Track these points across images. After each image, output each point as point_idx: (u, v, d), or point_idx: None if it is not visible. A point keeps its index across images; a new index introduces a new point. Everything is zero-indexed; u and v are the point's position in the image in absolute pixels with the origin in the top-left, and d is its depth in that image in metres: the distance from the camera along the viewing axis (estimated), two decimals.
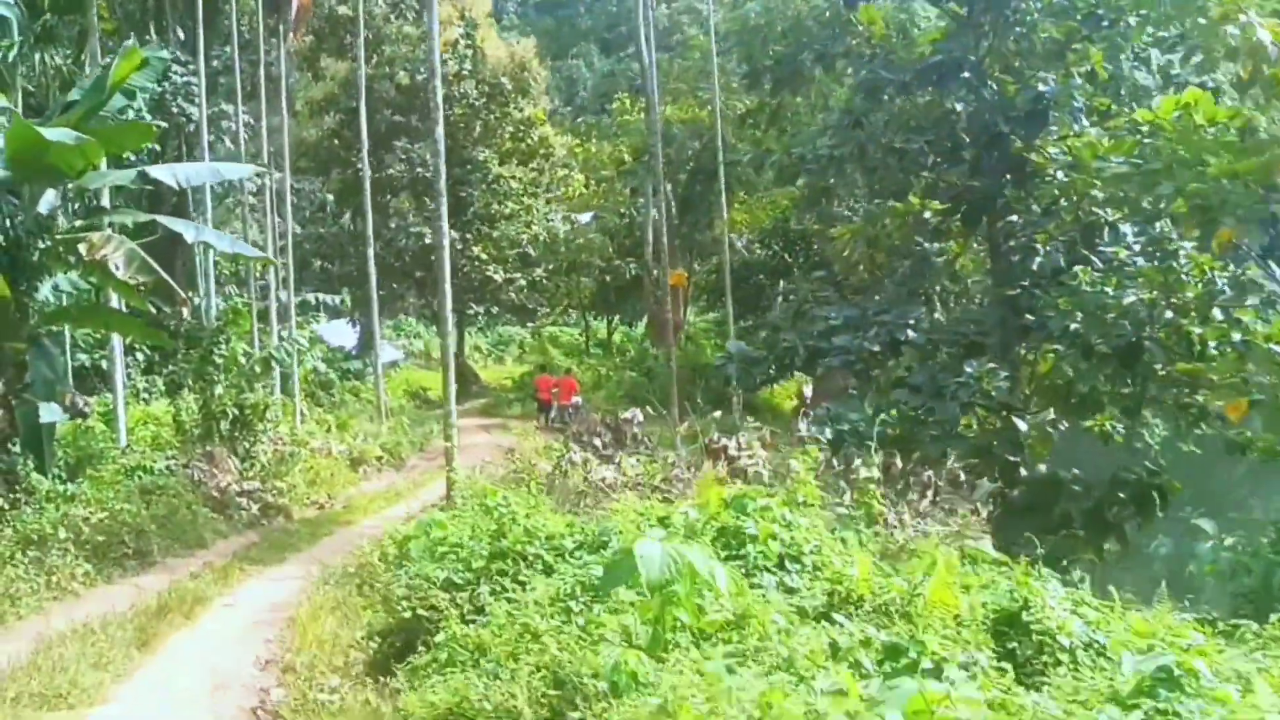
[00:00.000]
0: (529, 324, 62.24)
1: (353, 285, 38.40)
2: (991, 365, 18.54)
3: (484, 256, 43.58)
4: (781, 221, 37.34)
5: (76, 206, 19.20)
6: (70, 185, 16.63)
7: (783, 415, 35.67)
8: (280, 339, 24.25)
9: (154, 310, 16.38)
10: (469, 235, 43.53)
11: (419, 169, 42.73)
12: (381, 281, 41.32)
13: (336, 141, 42.58)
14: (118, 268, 14.63)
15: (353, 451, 25.06)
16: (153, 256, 16.49)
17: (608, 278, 47.78)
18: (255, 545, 17.50)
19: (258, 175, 32.90)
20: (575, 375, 36.01)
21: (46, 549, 13.66)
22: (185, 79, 30.96)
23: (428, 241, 42.07)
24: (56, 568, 13.38)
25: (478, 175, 43.70)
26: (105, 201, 19.47)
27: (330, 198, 43.51)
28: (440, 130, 20.04)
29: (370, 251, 31.22)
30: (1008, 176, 21.24)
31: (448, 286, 20.89)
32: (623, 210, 47.13)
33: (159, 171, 17.13)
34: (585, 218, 50.04)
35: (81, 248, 15.19)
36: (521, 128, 44.82)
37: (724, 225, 33.97)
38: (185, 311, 20.70)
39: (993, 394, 18.23)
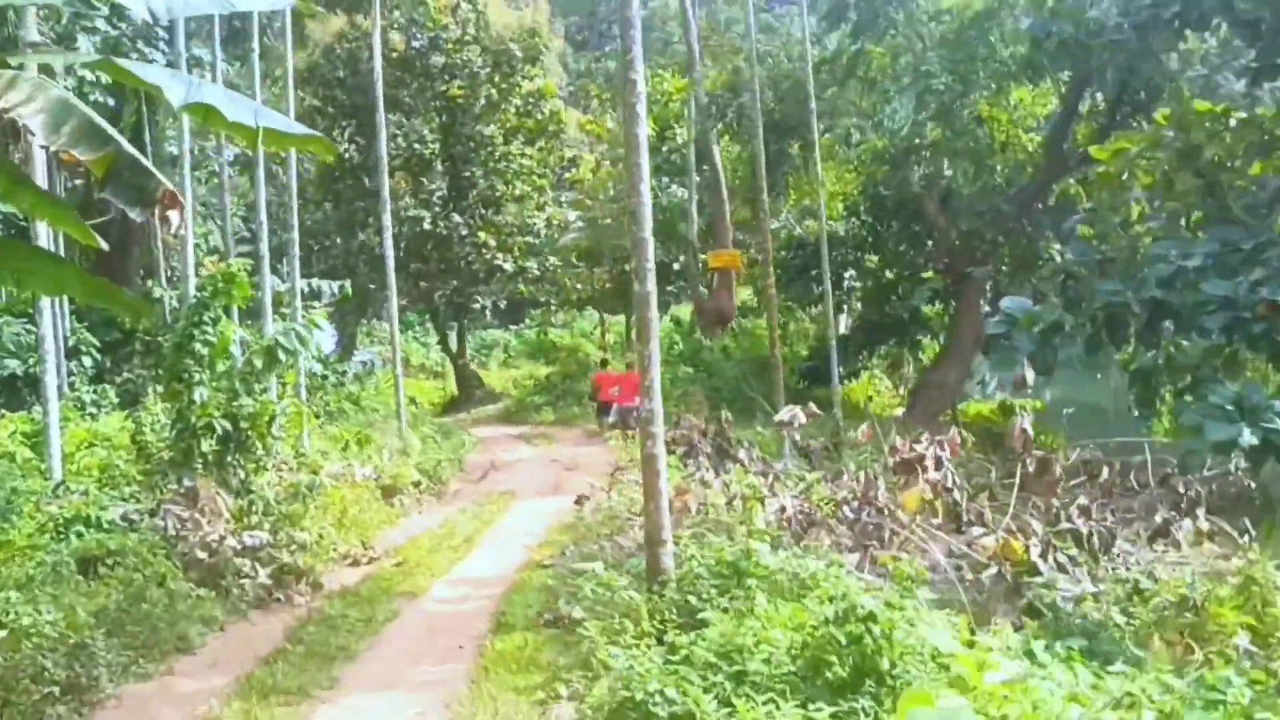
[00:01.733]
0: (514, 325, 54.80)
1: (336, 279, 30.89)
2: None
3: (491, 243, 36.07)
4: (872, 186, 30.17)
5: None
6: None
7: (858, 416, 28.78)
8: (283, 324, 16.55)
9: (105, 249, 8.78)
10: (473, 220, 36.06)
11: (416, 145, 35.27)
12: (368, 274, 33.94)
13: (319, 119, 34.89)
14: (33, 134, 7.06)
15: (382, 476, 17.56)
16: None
17: (627, 266, 40.21)
18: (277, 650, 10.02)
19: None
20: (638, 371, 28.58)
21: None
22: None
23: (425, 227, 34.86)
24: None
25: (483, 153, 36.21)
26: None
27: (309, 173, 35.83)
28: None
29: (387, 232, 23.52)
30: None
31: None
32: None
33: None
34: (571, 215, 42.59)
35: None
36: (530, 100, 37.24)
37: (818, 189, 26.73)
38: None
39: None
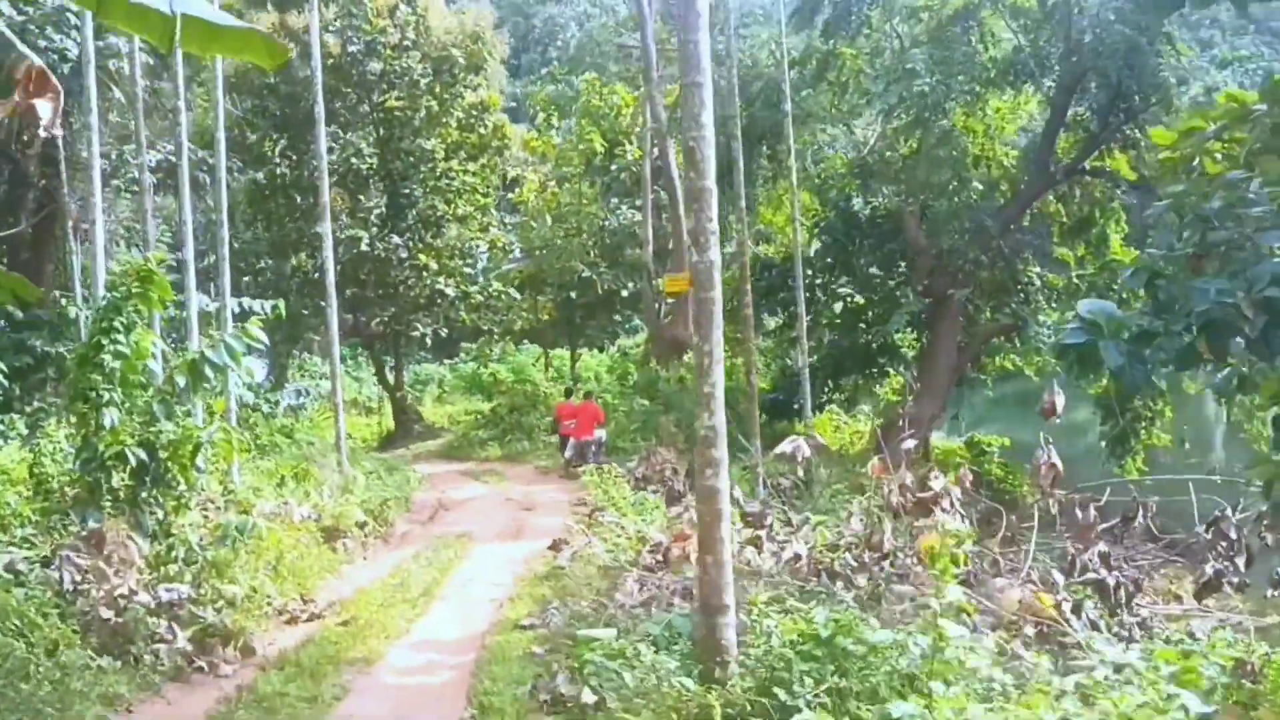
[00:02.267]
0: (449, 359, 52.10)
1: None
2: None
3: (433, 266, 33.87)
4: (844, 200, 28.37)
5: None
6: None
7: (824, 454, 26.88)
8: (209, 341, 14.13)
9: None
10: (413, 241, 33.84)
11: (353, 160, 33.00)
12: (302, 299, 31.58)
13: (249, 131, 32.54)
14: None
15: (322, 516, 15.25)
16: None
17: (573, 294, 38.17)
18: None
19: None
20: (596, 399, 26.37)
21: None
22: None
23: (363, 249, 32.55)
24: None
25: (423, 170, 34.04)
26: None
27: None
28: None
29: (328, 247, 21.06)
30: None
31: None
32: (593, 212, 37.65)
33: None
34: (514, 240, 40.54)
35: None
36: (473, 113, 35.09)
37: (791, 197, 24.77)
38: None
39: None
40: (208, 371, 11.69)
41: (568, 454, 24.05)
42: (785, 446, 14.37)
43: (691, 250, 7.95)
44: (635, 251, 36.32)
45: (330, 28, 32.18)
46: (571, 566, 12.70)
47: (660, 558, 12.30)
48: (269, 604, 11.32)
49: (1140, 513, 14.81)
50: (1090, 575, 11.54)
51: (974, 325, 27.32)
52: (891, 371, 30.43)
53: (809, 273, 28.89)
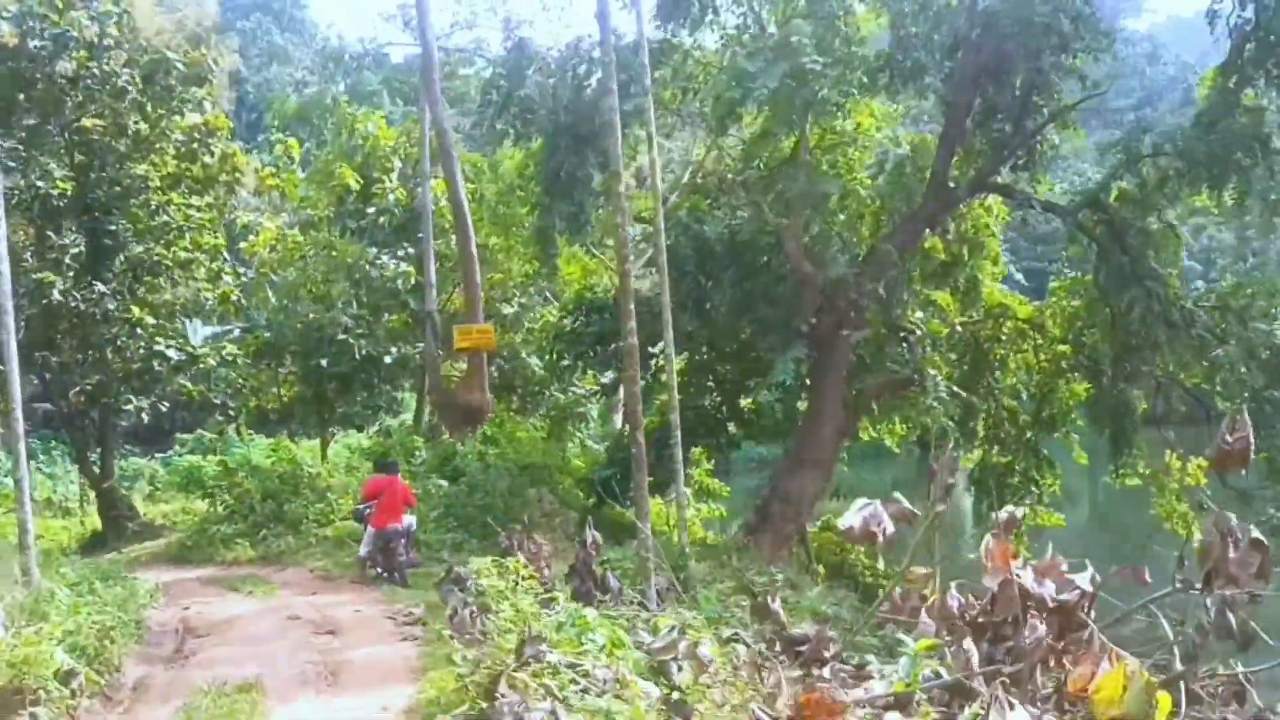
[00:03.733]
0: (161, 453, 42.43)
1: None
2: None
3: (149, 322, 26.17)
4: (695, 223, 22.39)
5: None
6: None
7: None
8: None
9: None
10: (123, 292, 26.05)
11: (40, 184, 25.05)
12: None
13: None
14: None
15: None
16: None
17: (323, 361, 30.73)
18: None
19: None
20: (403, 476, 19.26)
21: None
22: None
23: (56, 298, 24.57)
24: None
25: (134, 203, 26.36)
26: None
27: None
28: None
29: (5, 302, 13.48)
30: None
31: None
32: (348, 262, 30.72)
33: None
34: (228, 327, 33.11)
35: None
36: (195, 137, 27.53)
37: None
38: None
39: None
40: None
41: (364, 550, 17.16)
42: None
43: None
44: (406, 300, 29.77)
45: (4, 13, 24.40)
46: None
47: None
48: None
49: None
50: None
51: (861, 378, 21.99)
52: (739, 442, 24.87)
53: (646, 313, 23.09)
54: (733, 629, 10.81)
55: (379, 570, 16.89)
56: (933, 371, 21.48)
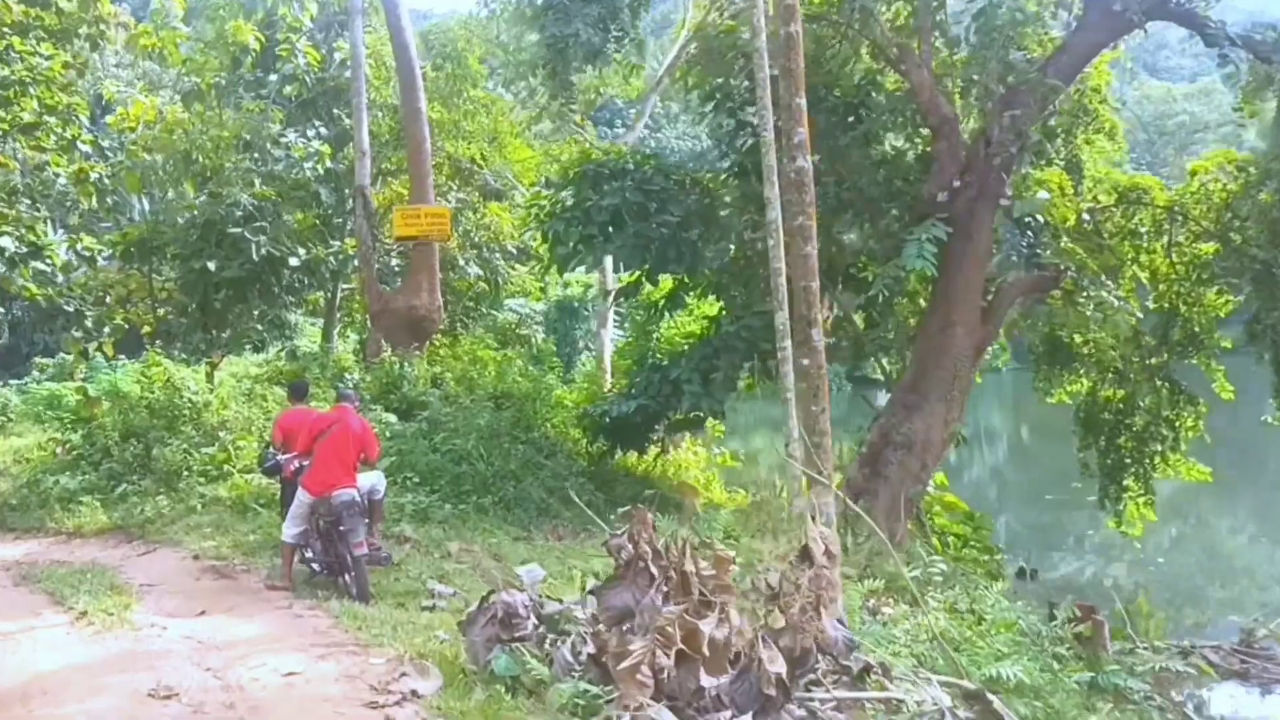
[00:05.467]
0: (15, 380, 34.45)
1: None
2: None
3: None
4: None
5: None
6: None
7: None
8: None
9: None
10: None
11: None
12: None
13: None
14: None
15: None
16: None
17: (210, 264, 23.47)
18: None
19: None
20: (358, 408, 12.38)
21: None
22: None
23: None
24: None
25: None
26: None
27: None
28: None
29: None
30: None
31: None
32: (245, 138, 23.83)
33: None
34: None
35: None
36: None
37: None
38: None
39: None
40: None
41: (290, 531, 10.54)
42: None
43: None
44: (317, 191, 23.10)
45: None
46: None
47: None
48: None
49: None
50: None
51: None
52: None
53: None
54: None
55: (316, 568, 10.45)
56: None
